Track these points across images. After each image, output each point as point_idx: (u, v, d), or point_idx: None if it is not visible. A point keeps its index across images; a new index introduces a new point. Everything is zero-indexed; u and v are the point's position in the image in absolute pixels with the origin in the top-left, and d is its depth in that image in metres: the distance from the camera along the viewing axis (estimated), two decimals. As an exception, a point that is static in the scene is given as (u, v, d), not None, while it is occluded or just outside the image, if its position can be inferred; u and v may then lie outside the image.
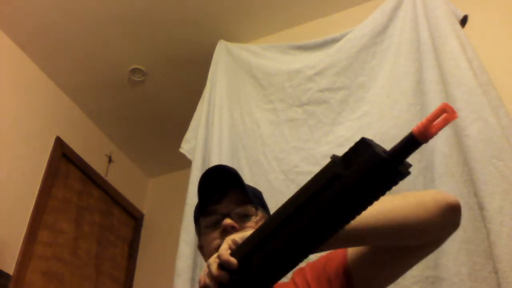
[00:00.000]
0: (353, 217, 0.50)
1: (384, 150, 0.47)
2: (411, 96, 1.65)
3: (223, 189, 0.93)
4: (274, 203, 1.77)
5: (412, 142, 0.44)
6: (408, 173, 0.47)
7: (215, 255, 0.64)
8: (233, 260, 0.60)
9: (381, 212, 0.68)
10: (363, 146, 0.48)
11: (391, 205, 0.70)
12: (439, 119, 0.43)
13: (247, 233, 0.63)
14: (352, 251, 0.81)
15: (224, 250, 0.62)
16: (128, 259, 3.01)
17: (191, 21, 2.41)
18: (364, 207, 0.49)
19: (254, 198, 0.95)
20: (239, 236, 0.65)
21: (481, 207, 1.31)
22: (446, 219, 0.72)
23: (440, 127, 0.43)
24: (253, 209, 0.92)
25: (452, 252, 1.27)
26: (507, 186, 1.30)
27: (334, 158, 0.52)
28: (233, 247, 0.63)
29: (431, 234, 0.73)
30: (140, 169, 3.39)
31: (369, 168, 0.46)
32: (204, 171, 1.83)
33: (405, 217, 0.69)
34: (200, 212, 0.94)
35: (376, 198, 0.48)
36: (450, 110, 0.42)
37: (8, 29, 2.38)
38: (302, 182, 1.86)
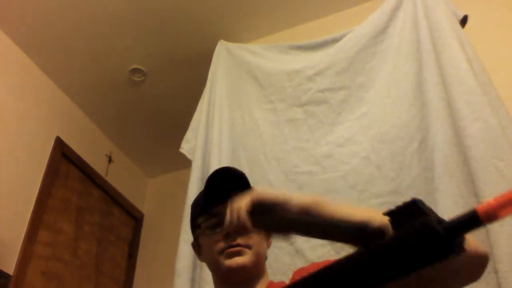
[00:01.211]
0: (391, 280, 0.46)
1: (439, 220, 0.43)
2: (411, 96, 1.65)
3: (227, 191, 0.92)
4: (274, 203, 1.77)
5: (474, 222, 0.40)
6: (463, 251, 0.43)
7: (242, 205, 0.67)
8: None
9: None
10: (416, 209, 0.44)
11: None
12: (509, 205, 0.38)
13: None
14: None
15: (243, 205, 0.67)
16: (128, 259, 3.01)
17: (191, 21, 2.41)
18: (408, 275, 0.44)
19: None
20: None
21: (481, 207, 1.31)
22: (473, 270, 0.68)
23: (508, 214, 0.38)
24: None
25: (452, 252, 1.27)
26: (507, 186, 1.30)
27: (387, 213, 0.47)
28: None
29: (448, 281, 0.67)
30: (140, 169, 3.39)
31: (420, 241, 0.42)
32: (204, 171, 1.84)
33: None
34: (202, 212, 0.93)
35: (420, 269, 0.44)
36: None
37: (8, 29, 2.38)
38: (302, 182, 1.86)
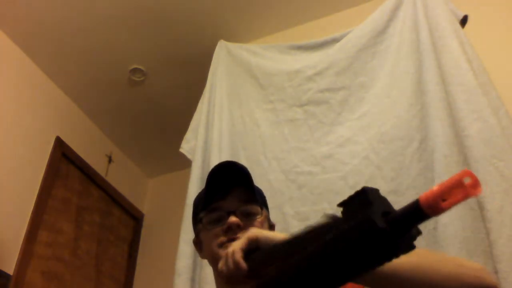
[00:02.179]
0: (346, 279, 0.43)
1: (386, 211, 0.39)
2: (411, 96, 1.65)
3: (229, 186, 0.92)
4: (274, 203, 1.78)
5: (417, 213, 0.36)
6: (412, 248, 0.39)
7: (234, 248, 0.67)
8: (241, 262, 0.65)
9: (418, 268, 0.64)
10: (363, 200, 0.40)
11: (428, 265, 0.66)
12: (456, 190, 0.34)
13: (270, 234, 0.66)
14: None
15: (237, 249, 0.66)
16: (128, 259, 3.01)
17: (191, 21, 2.41)
18: (357, 274, 0.42)
19: (259, 197, 0.94)
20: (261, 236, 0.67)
21: (481, 207, 1.31)
22: None
23: (455, 203, 0.34)
24: (258, 208, 0.91)
25: (452, 252, 1.27)
26: (507, 186, 1.30)
27: (328, 217, 0.45)
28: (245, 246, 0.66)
29: None
30: (140, 169, 3.39)
31: (361, 236, 0.38)
32: (204, 171, 1.84)
33: (439, 284, 0.65)
34: (203, 207, 0.92)
35: (372, 268, 0.40)
36: (471, 182, 0.33)
37: (8, 29, 2.38)
38: (302, 182, 1.86)
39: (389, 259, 0.39)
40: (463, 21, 1.76)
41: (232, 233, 0.86)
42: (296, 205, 1.67)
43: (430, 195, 0.35)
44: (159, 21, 2.41)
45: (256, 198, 0.92)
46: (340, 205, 0.43)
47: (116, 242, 2.94)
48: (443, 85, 1.57)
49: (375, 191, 0.41)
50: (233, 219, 0.86)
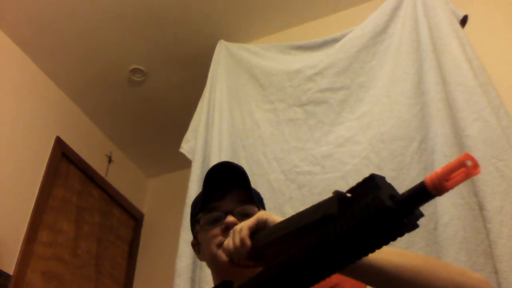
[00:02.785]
0: (353, 260, 0.45)
1: (393, 194, 0.42)
2: (411, 96, 1.65)
3: (226, 187, 0.92)
4: (274, 203, 1.78)
5: (423, 193, 0.39)
6: (415, 226, 0.42)
7: (242, 225, 0.66)
8: (247, 239, 0.64)
9: (421, 271, 0.64)
10: (371, 185, 0.43)
11: (431, 270, 0.66)
12: (458, 172, 0.37)
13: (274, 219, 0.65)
14: None
15: (246, 226, 0.65)
16: (128, 259, 3.01)
17: (191, 21, 2.41)
18: (365, 254, 0.44)
19: (256, 198, 0.94)
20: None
21: (481, 207, 1.31)
22: None
23: (458, 182, 0.37)
24: (255, 209, 0.91)
25: (452, 252, 1.27)
26: (507, 186, 1.30)
27: (336, 194, 0.46)
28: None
29: None
30: (140, 169, 3.39)
31: (369, 215, 0.41)
32: (204, 171, 1.84)
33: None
34: (201, 208, 0.93)
35: (377, 247, 0.43)
36: (472, 164, 0.37)
37: (8, 29, 2.38)
38: (302, 182, 1.86)
39: (395, 237, 0.41)
40: (463, 21, 1.76)
41: (229, 233, 0.86)
42: (296, 205, 1.67)
43: (435, 176, 0.38)
44: (159, 21, 2.41)
45: (253, 198, 0.92)
46: (349, 191, 0.45)
47: (116, 242, 2.94)
48: (443, 85, 1.57)
49: (383, 178, 0.44)
50: (230, 218, 0.86)
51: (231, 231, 0.69)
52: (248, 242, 0.64)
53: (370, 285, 0.72)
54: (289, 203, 1.68)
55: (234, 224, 0.85)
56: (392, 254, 0.64)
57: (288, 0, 2.34)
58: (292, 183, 1.72)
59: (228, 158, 1.85)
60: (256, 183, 1.76)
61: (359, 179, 1.37)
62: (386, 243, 0.42)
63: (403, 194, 0.41)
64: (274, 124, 1.91)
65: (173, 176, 3.30)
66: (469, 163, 0.37)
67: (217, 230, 0.88)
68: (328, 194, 1.39)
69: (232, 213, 0.88)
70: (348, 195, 0.46)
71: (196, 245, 0.97)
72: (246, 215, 0.89)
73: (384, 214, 0.40)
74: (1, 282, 2.01)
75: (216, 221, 0.89)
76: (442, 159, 1.43)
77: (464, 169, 0.37)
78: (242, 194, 0.91)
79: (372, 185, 0.42)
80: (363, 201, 0.42)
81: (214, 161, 1.82)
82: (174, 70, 2.66)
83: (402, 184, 1.52)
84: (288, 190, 1.71)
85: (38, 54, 2.52)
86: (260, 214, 0.67)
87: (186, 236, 1.69)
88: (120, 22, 2.40)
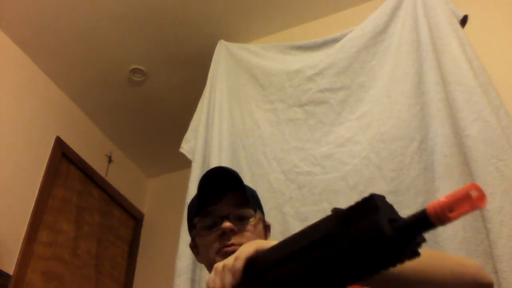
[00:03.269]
0: (350, 283, 0.43)
1: (393, 218, 0.40)
2: (411, 96, 1.65)
3: (221, 191, 0.92)
4: (274, 203, 1.78)
5: (424, 222, 0.37)
6: (416, 255, 0.40)
7: (232, 256, 0.59)
8: (239, 270, 0.56)
9: (419, 265, 0.63)
10: (370, 205, 0.41)
11: (432, 263, 0.66)
12: (463, 203, 0.35)
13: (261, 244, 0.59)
14: None
15: (243, 257, 0.57)
16: (128, 259, 3.01)
17: (191, 21, 2.41)
18: (361, 278, 0.42)
19: (252, 199, 0.94)
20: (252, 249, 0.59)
21: (481, 207, 1.31)
22: None
23: (462, 214, 0.35)
24: (251, 212, 0.91)
25: (452, 252, 1.27)
26: (507, 186, 1.30)
27: (335, 211, 0.45)
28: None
29: None
30: (140, 169, 3.39)
31: (367, 241, 0.39)
32: (204, 171, 1.84)
33: (442, 281, 0.65)
34: (197, 213, 0.92)
35: (375, 273, 0.41)
36: (478, 195, 0.35)
37: (8, 29, 2.38)
38: (302, 182, 1.85)
39: (394, 265, 0.40)
40: (463, 21, 1.76)
41: (226, 238, 0.86)
42: (296, 205, 1.67)
43: (437, 206, 0.36)
44: (159, 21, 2.41)
45: (249, 201, 0.91)
46: (348, 209, 0.44)
47: (116, 242, 2.94)
48: (443, 85, 1.57)
49: (382, 198, 0.42)
50: (226, 224, 0.86)
51: (218, 267, 0.60)
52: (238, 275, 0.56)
53: (370, 285, 0.73)
54: (289, 203, 1.68)
55: (230, 229, 0.86)
56: None
57: (288, 0, 2.34)
58: (292, 183, 1.72)
59: (228, 158, 1.85)
60: (256, 183, 1.76)
61: (359, 179, 1.38)
62: (385, 269, 0.40)
63: (403, 221, 0.39)
64: (274, 124, 1.91)
65: (173, 176, 3.30)
66: (474, 193, 0.35)
67: (214, 236, 0.88)
68: (328, 194, 1.40)
69: (228, 218, 0.87)
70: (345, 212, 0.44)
71: (194, 247, 0.97)
72: (242, 219, 0.89)
73: (382, 242, 0.38)
74: (1, 282, 2.01)
75: (212, 226, 0.89)
76: (442, 159, 1.43)
77: (469, 201, 0.35)
78: (238, 198, 0.91)
79: (372, 206, 0.41)
80: (361, 224, 0.40)
81: (214, 161, 1.82)
82: (174, 70, 2.66)
83: (402, 184, 1.52)
84: (288, 190, 1.71)
85: (38, 54, 2.52)
86: (259, 244, 0.59)
87: (186, 236, 1.68)
88: (120, 22, 2.40)
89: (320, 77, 1.91)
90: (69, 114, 2.76)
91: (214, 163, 1.80)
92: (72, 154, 2.69)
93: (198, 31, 2.45)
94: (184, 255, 1.65)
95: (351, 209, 0.43)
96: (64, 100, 2.74)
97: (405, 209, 1.47)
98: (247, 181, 1.77)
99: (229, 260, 0.58)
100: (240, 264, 0.56)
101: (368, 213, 0.40)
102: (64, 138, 2.64)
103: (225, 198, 0.91)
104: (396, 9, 1.90)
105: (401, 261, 0.39)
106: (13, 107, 2.35)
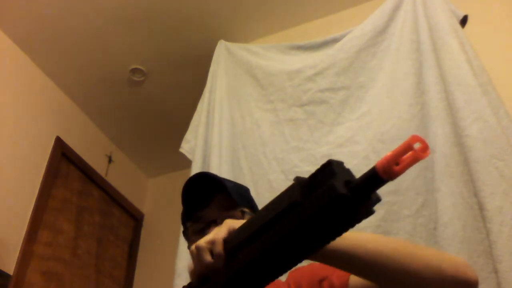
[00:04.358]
0: (317, 247, 0.46)
1: (348, 180, 0.42)
2: (411, 96, 1.65)
3: (210, 194, 0.92)
4: (274, 203, 1.77)
5: (375, 178, 0.39)
6: (371, 212, 0.43)
7: (207, 239, 0.58)
8: (222, 254, 0.56)
9: (395, 254, 0.64)
10: (328, 171, 0.43)
11: (405, 253, 0.65)
12: (407, 155, 0.36)
13: (239, 223, 0.59)
14: (354, 282, 0.77)
15: (220, 239, 0.57)
16: (128, 259, 3.01)
17: (191, 21, 2.41)
18: (327, 241, 0.45)
19: (240, 199, 0.93)
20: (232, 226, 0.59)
21: (481, 207, 1.31)
22: None
23: (408, 166, 0.37)
24: (239, 214, 0.91)
25: (452, 252, 1.27)
26: (507, 186, 1.30)
27: (297, 180, 0.46)
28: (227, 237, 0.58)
29: None
30: (140, 169, 3.39)
31: (325, 203, 0.41)
32: (204, 170, 1.84)
33: (416, 272, 0.64)
34: (187, 218, 0.94)
35: (337, 234, 0.44)
36: (421, 147, 0.36)
37: (8, 29, 2.38)
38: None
39: (351, 224, 0.42)
40: (463, 21, 1.76)
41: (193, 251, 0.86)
42: (296, 205, 1.67)
43: (384, 160, 0.38)
44: (159, 21, 2.41)
45: (237, 203, 0.91)
46: (310, 177, 0.46)
47: (116, 242, 2.94)
48: (443, 85, 1.57)
49: (340, 163, 0.44)
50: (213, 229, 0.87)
51: (193, 252, 0.59)
52: (222, 253, 0.56)
53: (347, 271, 0.74)
54: (289, 203, 1.68)
55: None
56: (367, 240, 0.64)
57: (288, 0, 2.34)
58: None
59: (228, 158, 1.85)
60: (256, 183, 1.76)
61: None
62: (345, 229, 0.43)
63: (356, 180, 0.41)
64: (274, 124, 1.91)
65: (173, 176, 3.30)
66: (417, 145, 0.36)
67: None
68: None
69: (215, 222, 0.88)
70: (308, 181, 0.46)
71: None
72: None
73: (338, 202, 0.40)
74: (1, 282, 2.01)
75: (201, 231, 0.89)
76: (442, 159, 1.43)
77: (412, 152, 0.36)
78: (226, 200, 0.91)
79: (329, 171, 0.43)
80: (320, 189, 0.42)
81: (214, 161, 1.82)
82: (174, 70, 2.66)
83: (402, 184, 1.52)
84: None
85: (38, 54, 2.52)
86: (230, 223, 0.59)
87: (186, 236, 1.69)
88: (120, 22, 2.40)
89: (320, 77, 1.91)
90: (69, 114, 2.76)
91: (214, 163, 1.81)
92: (72, 154, 2.69)
93: (198, 31, 2.45)
94: (184, 255, 1.65)
95: (312, 176, 0.45)
96: (64, 100, 2.74)
97: (405, 209, 1.47)
98: (247, 181, 1.77)
99: (202, 243, 0.58)
100: (220, 247, 0.56)
101: (326, 178, 0.42)
102: (64, 138, 2.64)
103: (213, 202, 0.92)
104: (396, 9, 1.90)
105: (358, 220, 0.42)
106: (13, 107, 2.35)
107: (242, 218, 0.91)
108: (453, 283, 0.65)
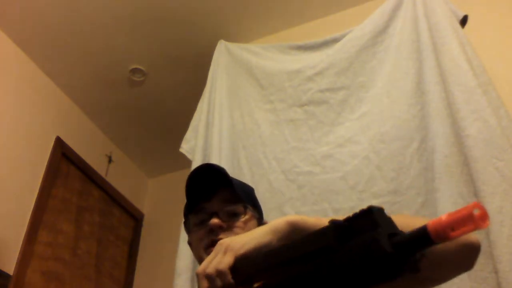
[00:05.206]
0: None
1: (393, 232, 0.40)
2: (411, 96, 1.65)
3: (214, 187, 0.92)
4: (274, 203, 1.78)
5: (424, 240, 0.37)
6: (416, 270, 0.41)
7: (214, 266, 0.59)
8: (233, 284, 0.57)
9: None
10: (369, 220, 0.41)
11: (406, 223, 0.66)
12: (465, 221, 0.35)
13: (244, 241, 0.61)
14: None
15: (226, 269, 0.58)
16: (128, 259, 3.01)
17: (191, 21, 2.41)
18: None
19: (244, 195, 0.94)
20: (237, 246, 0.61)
21: (481, 207, 1.31)
22: (463, 258, 0.66)
23: (464, 234, 0.35)
24: (241, 208, 0.91)
25: (452, 252, 1.27)
26: (507, 186, 1.30)
27: (332, 223, 0.45)
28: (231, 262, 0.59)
29: (441, 270, 0.65)
30: (140, 169, 3.39)
31: (366, 256, 0.40)
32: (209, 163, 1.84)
33: None
34: (189, 210, 0.94)
35: (372, 286, 0.42)
36: (479, 214, 0.34)
37: (8, 29, 2.38)
38: (302, 182, 1.85)
39: (392, 280, 0.40)
40: (463, 21, 1.76)
41: (214, 235, 0.86)
42: (296, 205, 1.67)
43: (439, 224, 0.36)
44: (159, 21, 2.41)
45: (241, 197, 0.91)
46: (346, 220, 0.44)
47: (116, 242, 2.94)
48: (443, 85, 1.57)
49: (381, 211, 0.42)
50: (214, 221, 0.87)
51: (205, 277, 0.60)
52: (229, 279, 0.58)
53: None
54: (289, 203, 1.68)
55: (218, 225, 0.86)
56: None
57: (288, 0, 2.34)
58: (292, 183, 1.72)
59: (228, 158, 1.85)
60: (256, 183, 1.76)
61: (359, 179, 1.38)
62: (384, 283, 0.41)
63: (403, 237, 0.39)
64: (274, 124, 1.91)
65: (173, 176, 3.30)
66: (476, 211, 0.35)
67: (203, 233, 0.89)
68: (328, 194, 1.40)
69: (217, 214, 0.88)
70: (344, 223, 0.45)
71: (190, 243, 0.98)
72: (233, 215, 0.90)
73: (381, 259, 0.39)
74: (1, 282, 2.01)
75: (202, 223, 0.90)
76: (442, 159, 1.43)
77: (471, 222, 0.34)
78: (229, 194, 0.91)
79: (371, 220, 0.41)
80: (361, 238, 0.41)
81: (214, 161, 1.81)
82: (174, 70, 2.66)
83: (402, 184, 1.52)
84: (288, 190, 1.71)
85: (38, 54, 2.52)
86: (230, 246, 0.60)
87: (186, 236, 1.68)
88: (120, 22, 2.40)
89: (320, 77, 1.91)
90: (69, 114, 2.76)
91: (214, 163, 1.80)
92: (72, 154, 2.69)
93: (198, 31, 2.45)
94: (184, 255, 1.65)
95: (350, 221, 0.43)
96: (64, 100, 2.74)
97: (405, 209, 1.47)
98: (247, 181, 1.77)
99: (211, 270, 0.59)
100: (229, 277, 0.56)
101: (367, 227, 0.41)
102: (64, 138, 2.64)
103: (216, 194, 0.92)
104: (396, 9, 1.90)
105: (400, 275, 0.40)
106: (13, 107, 2.35)
107: (244, 212, 0.91)
108: (459, 248, 0.64)
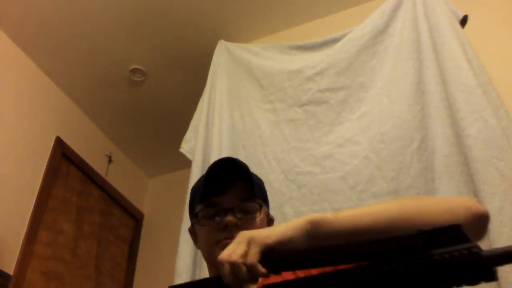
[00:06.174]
0: None
1: (477, 246, 0.44)
2: (411, 96, 1.65)
3: (228, 181, 0.89)
4: (274, 203, 1.78)
5: None
6: (496, 278, 0.45)
7: (234, 252, 0.61)
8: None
9: (407, 212, 0.66)
10: (459, 235, 0.45)
11: (417, 207, 0.67)
12: None
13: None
14: None
15: (255, 263, 0.60)
16: (128, 259, 3.01)
17: (191, 21, 2.41)
18: None
19: (259, 193, 0.91)
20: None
21: (481, 207, 1.31)
22: (474, 229, 0.67)
23: None
24: (257, 206, 0.89)
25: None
26: (507, 186, 1.30)
27: (420, 230, 0.48)
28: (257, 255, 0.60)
29: None
30: (140, 169, 3.39)
31: (465, 267, 0.44)
32: (204, 171, 1.84)
33: (431, 221, 0.65)
34: (201, 200, 0.90)
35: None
36: None
37: (8, 29, 2.38)
38: (302, 182, 1.85)
39: (475, 284, 0.45)
40: (463, 21, 1.76)
41: (228, 232, 0.84)
42: (296, 205, 1.67)
43: None
44: (159, 21, 2.41)
45: (256, 195, 0.89)
46: (431, 230, 0.47)
47: (116, 242, 2.94)
48: (443, 85, 1.57)
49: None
50: (230, 218, 0.84)
51: (231, 266, 0.60)
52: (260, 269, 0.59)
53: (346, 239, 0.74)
54: (289, 203, 1.68)
55: (234, 223, 0.84)
56: (366, 209, 0.67)
57: (288, 0, 2.34)
58: (292, 183, 1.72)
59: (228, 158, 1.85)
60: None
61: (359, 179, 1.38)
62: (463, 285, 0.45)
63: (497, 250, 0.43)
64: (274, 124, 1.91)
65: (173, 176, 3.30)
66: None
67: (215, 227, 0.86)
68: (328, 194, 1.39)
69: (232, 211, 0.85)
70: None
71: (193, 233, 0.96)
72: (247, 213, 0.87)
73: (477, 269, 0.43)
74: (1, 282, 2.01)
75: (215, 217, 0.87)
76: (442, 159, 1.43)
77: None
78: (244, 191, 0.88)
79: (461, 235, 0.45)
80: (456, 248, 0.44)
81: (214, 161, 1.81)
82: (174, 70, 2.66)
83: (402, 184, 1.52)
84: (288, 190, 1.71)
85: (38, 54, 2.52)
86: (254, 239, 0.62)
87: (186, 236, 1.68)
88: (120, 22, 2.40)
89: (320, 77, 1.91)
90: (69, 114, 2.76)
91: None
92: (72, 154, 2.69)
93: (198, 31, 2.45)
94: (184, 255, 1.65)
95: (436, 231, 0.47)
96: (64, 100, 2.74)
97: (405, 209, 1.47)
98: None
99: (238, 259, 0.60)
100: (263, 269, 0.59)
101: (457, 239, 0.45)
102: (64, 138, 2.64)
103: (231, 189, 0.88)
104: (396, 9, 1.90)
105: (480, 282, 0.44)
106: (13, 107, 2.35)
107: (260, 211, 0.89)
108: (469, 219, 0.66)
